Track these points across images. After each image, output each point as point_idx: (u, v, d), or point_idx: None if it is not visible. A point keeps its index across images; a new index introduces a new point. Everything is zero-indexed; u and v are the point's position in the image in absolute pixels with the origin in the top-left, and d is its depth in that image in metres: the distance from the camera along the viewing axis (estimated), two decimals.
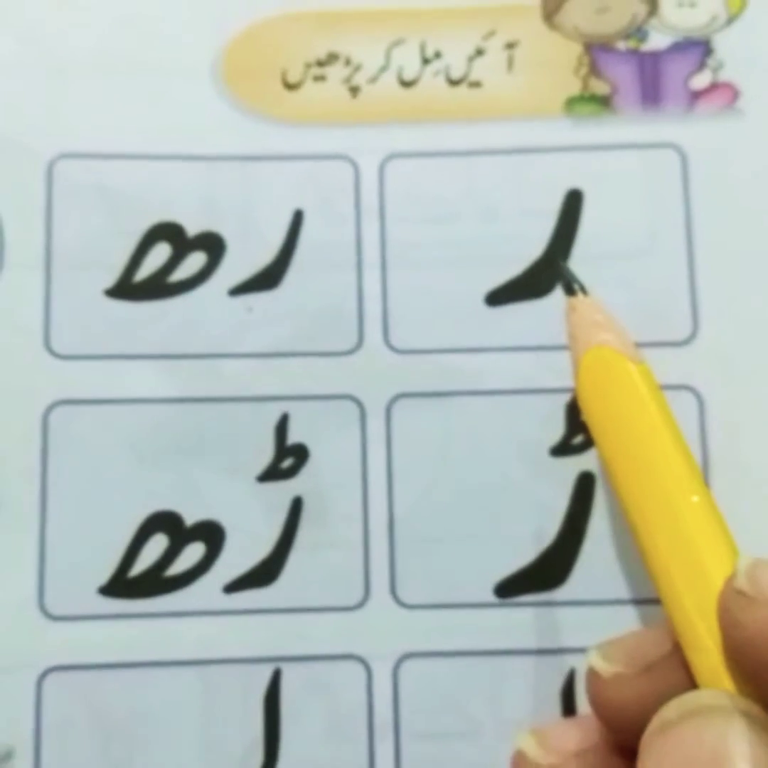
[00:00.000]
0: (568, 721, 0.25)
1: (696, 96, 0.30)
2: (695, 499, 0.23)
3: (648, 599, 0.27)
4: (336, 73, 0.31)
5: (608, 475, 0.25)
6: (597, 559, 0.28)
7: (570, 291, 0.26)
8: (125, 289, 0.29)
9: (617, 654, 0.22)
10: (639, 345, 0.29)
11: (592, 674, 0.22)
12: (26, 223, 0.29)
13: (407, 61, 0.31)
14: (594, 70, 0.31)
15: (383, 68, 0.31)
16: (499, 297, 0.30)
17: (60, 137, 0.30)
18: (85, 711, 0.27)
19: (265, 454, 0.29)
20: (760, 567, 0.20)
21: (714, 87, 0.31)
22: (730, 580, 0.21)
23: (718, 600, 0.20)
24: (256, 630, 0.28)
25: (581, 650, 0.26)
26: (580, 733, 0.22)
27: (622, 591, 0.28)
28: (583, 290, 0.26)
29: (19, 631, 0.28)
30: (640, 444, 0.24)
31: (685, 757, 0.18)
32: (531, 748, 0.23)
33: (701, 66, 0.31)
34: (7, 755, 0.27)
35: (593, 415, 0.25)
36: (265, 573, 0.28)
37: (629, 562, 0.28)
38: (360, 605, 0.28)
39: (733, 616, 0.20)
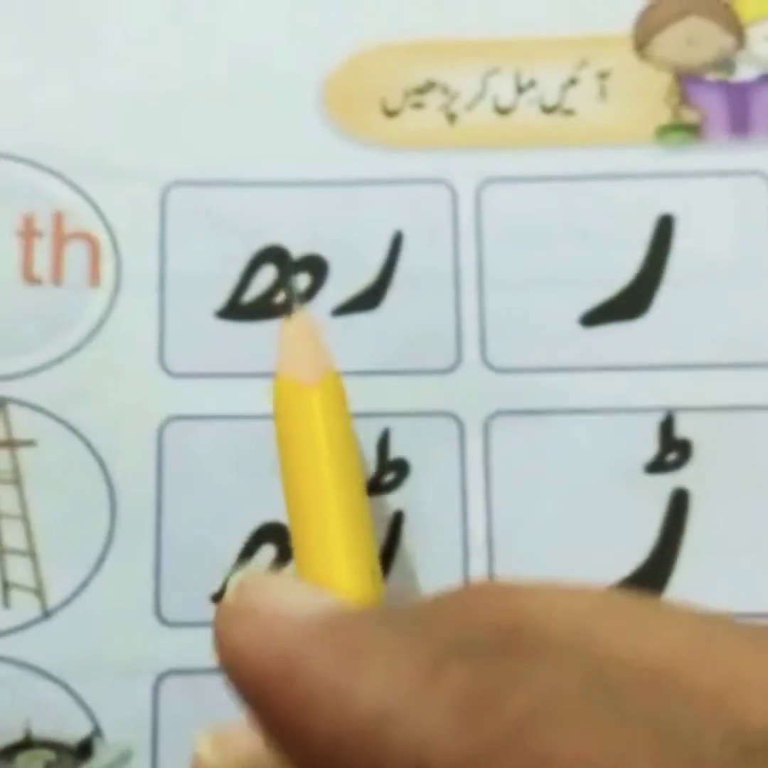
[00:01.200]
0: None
1: None
2: (337, 524, 0.24)
3: (745, 614, 0.28)
4: (434, 100, 0.32)
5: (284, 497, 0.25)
6: (692, 576, 0.29)
7: (285, 310, 0.27)
8: (234, 310, 0.31)
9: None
10: (728, 366, 0.30)
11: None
12: (142, 248, 0.31)
13: (503, 89, 0.32)
14: (684, 99, 0.32)
15: (479, 96, 0.32)
16: (593, 318, 0.31)
17: (173, 165, 0.31)
18: (200, 713, 0.29)
19: (367, 469, 0.30)
20: (248, 583, 0.20)
21: None
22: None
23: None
24: None
25: None
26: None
27: (720, 610, 0.29)
28: (296, 308, 0.27)
29: (137, 637, 0.29)
30: (304, 465, 0.25)
31: None
32: (206, 750, 0.22)
33: None
34: (127, 756, 0.29)
35: (278, 435, 0.26)
36: None
37: (725, 579, 0.29)
38: None
39: (217, 629, 0.19)
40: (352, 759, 0.16)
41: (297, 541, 0.25)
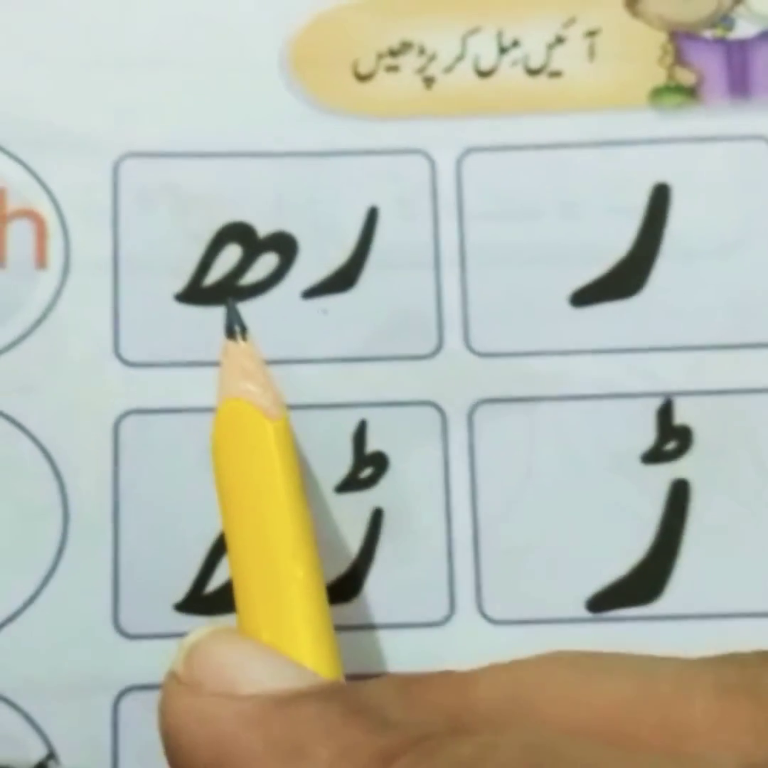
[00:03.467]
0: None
1: None
2: (299, 573, 0.22)
3: (750, 613, 0.26)
4: (409, 63, 0.29)
5: (226, 536, 0.23)
6: (695, 570, 0.27)
7: (230, 333, 0.25)
8: (195, 293, 0.28)
9: None
10: (731, 347, 0.28)
11: None
12: (93, 226, 0.28)
13: (484, 50, 0.29)
14: (679, 60, 0.29)
15: (459, 58, 0.29)
16: (584, 297, 0.28)
17: (125, 136, 0.29)
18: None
19: (342, 464, 0.28)
20: (198, 650, 0.19)
21: None
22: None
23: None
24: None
25: None
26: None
27: (723, 604, 0.27)
28: (244, 333, 0.25)
29: (94, 650, 0.27)
30: (257, 506, 0.23)
31: None
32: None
33: None
34: None
35: (220, 469, 0.24)
36: (345, 588, 0.27)
37: (729, 573, 0.27)
38: (445, 621, 0.27)
39: (160, 698, 0.19)
40: None
41: (242, 585, 0.23)
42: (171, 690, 0.19)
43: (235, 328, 0.25)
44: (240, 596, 0.23)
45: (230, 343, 0.25)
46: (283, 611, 0.22)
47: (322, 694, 0.18)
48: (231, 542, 0.23)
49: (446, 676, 0.18)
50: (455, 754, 0.16)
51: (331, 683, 0.20)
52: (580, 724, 0.16)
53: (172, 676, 0.19)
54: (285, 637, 0.22)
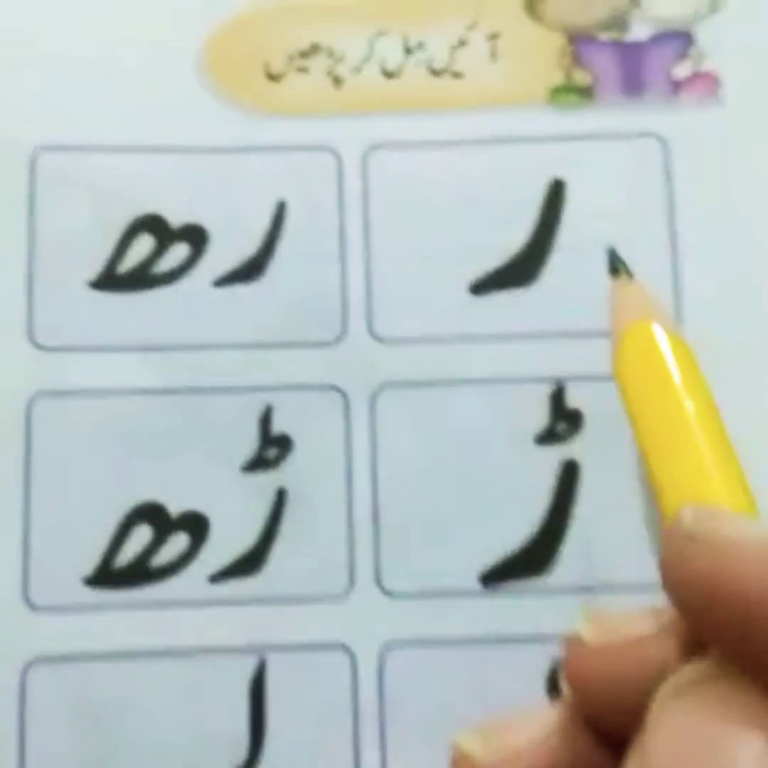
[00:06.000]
0: (515, 713, 0.24)
1: (678, 86, 0.31)
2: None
3: (634, 584, 0.27)
4: (319, 64, 0.31)
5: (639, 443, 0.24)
6: (582, 546, 0.28)
7: (615, 272, 0.26)
8: (109, 280, 0.29)
9: (604, 627, 0.22)
10: None
11: (576, 644, 0.22)
12: (9, 215, 0.29)
13: (390, 52, 0.31)
14: (576, 61, 0.31)
15: (366, 59, 0.31)
16: (483, 286, 0.30)
17: (42, 129, 0.30)
18: (70, 701, 0.27)
19: (249, 445, 0.29)
20: (701, 511, 0.20)
21: (696, 77, 0.31)
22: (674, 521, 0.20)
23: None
24: (241, 619, 0.28)
25: None
26: (534, 724, 0.21)
27: (609, 576, 0.28)
28: (630, 275, 0.26)
29: (3, 622, 0.28)
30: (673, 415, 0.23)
31: (701, 720, 0.18)
32: (476, 749, 0.22)
33: (683, 56, 0.31)
34: None
35: (632, 389, 0.24)
36: (249, 563, 0.28)
37: (614, 548, 0.28)
38: (345, 594, 0.28)
39: (674, 557, 0.19)
40: None
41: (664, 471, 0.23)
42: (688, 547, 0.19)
43: (620, 268, 0.25)
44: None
45: (620, 282, 0.25)
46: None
47: None
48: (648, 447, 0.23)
49: None
50: None
51: None
52: None
53: (683, 536, 0.20)
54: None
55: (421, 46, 0.31)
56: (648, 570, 0.28)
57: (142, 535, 0.28)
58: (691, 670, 0.19)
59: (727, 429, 0.23)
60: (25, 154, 0.30)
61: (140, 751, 0.28)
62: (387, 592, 0.28)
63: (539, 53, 0.31)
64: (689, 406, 0.24)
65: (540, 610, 0.28)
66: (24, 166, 0.30)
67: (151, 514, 0.28)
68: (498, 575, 0.28)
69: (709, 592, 0.19)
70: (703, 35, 0.31)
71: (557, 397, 0.29)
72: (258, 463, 0.29)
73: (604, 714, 0.20)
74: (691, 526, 0.20)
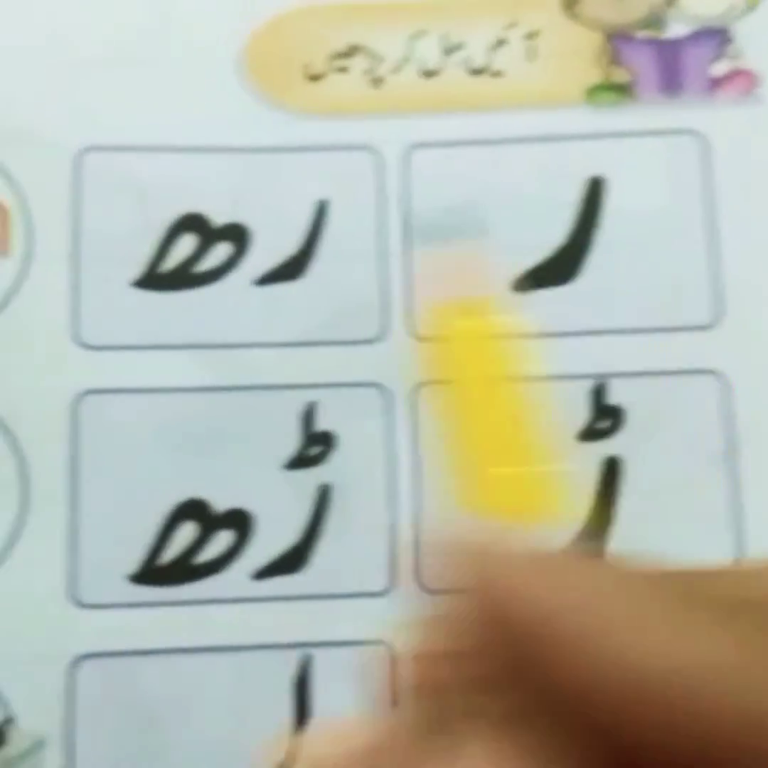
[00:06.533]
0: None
1: (716, 83, 0.31)
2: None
3: None
4: (358, 64, 0.31)
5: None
6: (626, 543, 0.28)
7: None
8: (152, 280, 0.30)
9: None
10: (660, 330, 0.29)
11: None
12: (54, 216, 0.30)
13: (429, 52, 0.31)
14: (614, 59, 0.31)
15: (405, 59, 0.31)
16: (522, 284, 0.30)
17: (86, 130, 0.30)
18: (116, 698, 0.28)
19: (291, 442, 0.29)
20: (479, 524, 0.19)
21: (733, 74, 0.31)
22: None
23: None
24: (284, 616, 0.28)
25: None
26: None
27: None
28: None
29: (49, 620, 0.28)
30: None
31: None
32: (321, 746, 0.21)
33: (720, 54, 0.31)
34: (39, 745, 0.27)
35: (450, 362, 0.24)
36: (293, 560, 0.28)
37: (658, 545, 0.28)
38: (386, 591, 0.28)
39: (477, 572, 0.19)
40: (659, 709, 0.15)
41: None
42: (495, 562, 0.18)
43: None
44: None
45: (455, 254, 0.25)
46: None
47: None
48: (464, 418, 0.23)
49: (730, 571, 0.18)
50: None
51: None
52: None
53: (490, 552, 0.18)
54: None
55: (459, 46, 0.31)
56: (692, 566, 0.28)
57: (187, 533, 0.28)
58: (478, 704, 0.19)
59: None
60: (69, 155, 0.30)
61: (185, 745, 0.28)
62: (428, 589, 0.28)
63: (577, 52, 0.31)
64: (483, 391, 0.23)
65: None
66: (68, 166, 0.30)
67: (196, 511, 0.28)
68: None
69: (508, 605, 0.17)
70: (740, 33, 0.31)
71: (598, 394, 0.29)
72: (301, 461, 0.29)
73: None
74: (466, 538, 0.19)
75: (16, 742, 0.28)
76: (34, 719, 0.28)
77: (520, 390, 0.23)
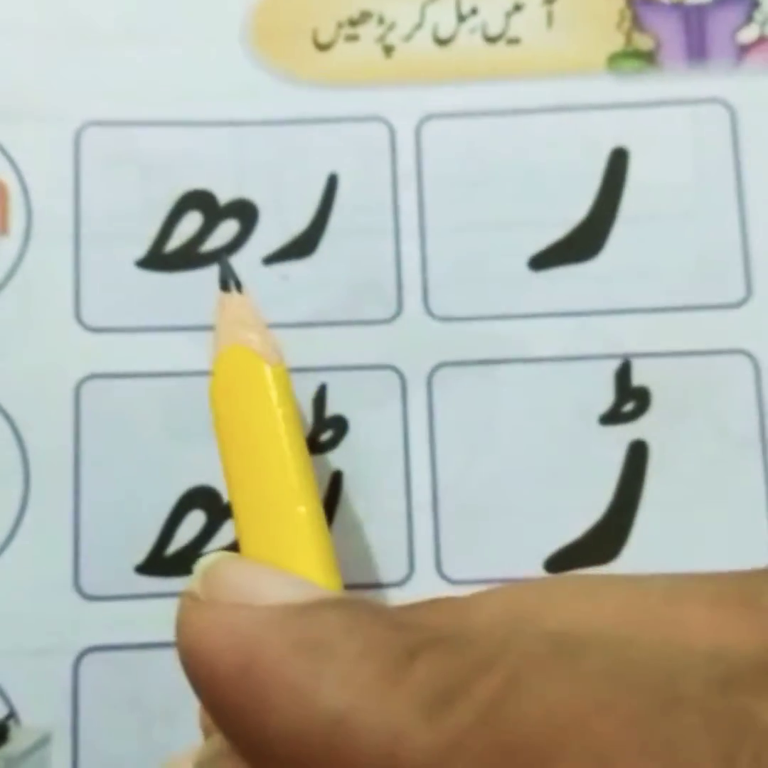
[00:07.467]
0: None
1: (744, 50, 0.29)
2: (302, 509, 0.22)
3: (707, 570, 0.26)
4: (369, 32, 0.30)
5: (226, 478, 0.23)
6: (652, 531, 0.27)
7: (225, 286, 0.25)
8: (156, 259, 0.29)
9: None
10: (687, 309, 0.28)
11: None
12: (54, 193, 0.28)
13: (442, 18, 0.30)
14: (637, 24, 0.29)
15: (418, 26, 0.30)
16: (542, 261, 0.28)
17: (86, 104, 0.29)
18: (123, 692, 0.27)
19: (303, 427, 0.28)
20: (214, 570, 0.19)
21: (762, 40, 0.29)
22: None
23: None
24: None
25: None
26: None
27: (680, 564, 0.27)
28: (239, 287, 0.25)
29: (54, 612, 0.27)
30: (259, 448, 0.23)
31: None
32: None
33: (748, 19, 0.29)
34: (45, 740, 0.26)
35: (220, 414, 0.24)
36: None
37: (686, 533, 0.27)
38: (404, 581, 0.27)
39: (178, 619, 0.19)
40: (316, 759, 0.16)
41: (245, 523, 0.22)
42: (189, 607, 0.19)
43: (229, 282, 0.25)
44: (244, 537, 0.22)
45: (225, 296, 0.25)
46: (288, 547, 0.22)
47: (340, 602, 0.18)
48: (233, 487, 0.23)
49: (448, 600, 0.18)
50: (480, 647, 0.16)
51: (346, 594, 0.20)
52: (590, 629, 0.16)
53: (189, 595, 0.19)
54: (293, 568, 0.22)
55: (474, 11, 0.30)
56: (722, 554, 0.27)
57: (194, 522, 0.27)
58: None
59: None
60: (69, 130, 0.29)
61: (194, 739, 0.27)
62: (448, 579, 0.27)
63: (598, 17, 0.29)
64: (279, 446, 0.23)
65: None
66: (69, 141, 0.29)
67: (205, 499, 0.27)
68: (563, 561, 0.27)
69: (191, 657, 0.18)
70: None
71: (623, 375, 0.28)
72: (312, 446, 0.28)
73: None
74: (195, 585, 0.19)
75: (20, 739, 0.27)
76: (38, 714, 0.27)
77: (285, 441, 0.23)
